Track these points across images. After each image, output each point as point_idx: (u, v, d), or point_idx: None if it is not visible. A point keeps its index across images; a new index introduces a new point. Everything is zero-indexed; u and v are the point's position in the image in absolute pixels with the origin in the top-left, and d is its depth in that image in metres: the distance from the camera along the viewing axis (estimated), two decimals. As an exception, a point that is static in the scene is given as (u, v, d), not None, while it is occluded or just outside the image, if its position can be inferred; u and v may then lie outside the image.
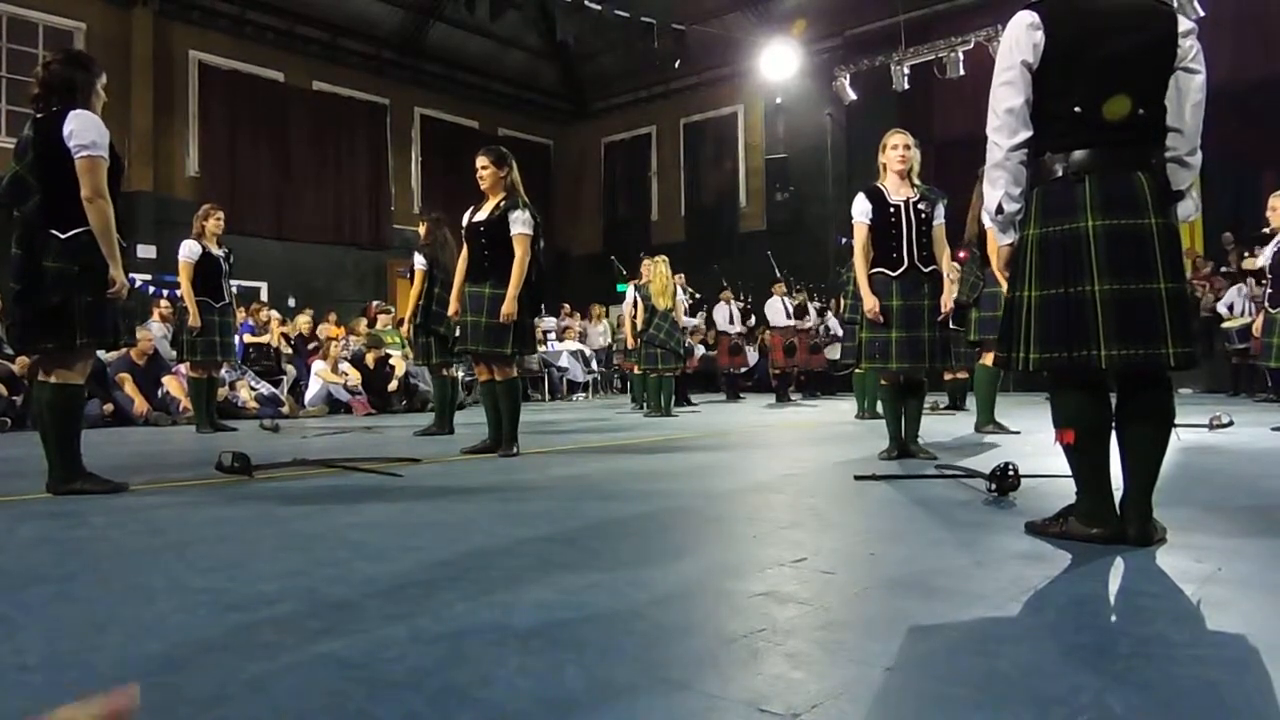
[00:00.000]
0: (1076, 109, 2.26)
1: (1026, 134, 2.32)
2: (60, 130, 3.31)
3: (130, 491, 3.53)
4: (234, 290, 7.52)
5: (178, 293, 8.17)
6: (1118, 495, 2.34)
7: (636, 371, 9.81)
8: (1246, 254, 10.79)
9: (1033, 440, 5.32)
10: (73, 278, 3.33)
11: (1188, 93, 2.28)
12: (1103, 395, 2.36)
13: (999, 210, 2.40)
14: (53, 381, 3.46)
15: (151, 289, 11.84)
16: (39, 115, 3.42)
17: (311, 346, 11.01)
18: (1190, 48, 2.28)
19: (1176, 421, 2.37)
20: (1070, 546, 2.28)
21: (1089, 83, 2.26)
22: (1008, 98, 2.31)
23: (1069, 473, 2.42)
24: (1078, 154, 2.27)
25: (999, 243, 2.52)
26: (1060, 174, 2.29)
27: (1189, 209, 2.38)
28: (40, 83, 3.43)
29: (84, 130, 3.32)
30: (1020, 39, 2.29)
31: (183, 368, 8.37)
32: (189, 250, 6.94)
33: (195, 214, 7.24)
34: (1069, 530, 2.36)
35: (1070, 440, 2.33)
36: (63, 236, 3.34)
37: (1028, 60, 2.28)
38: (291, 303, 13.55)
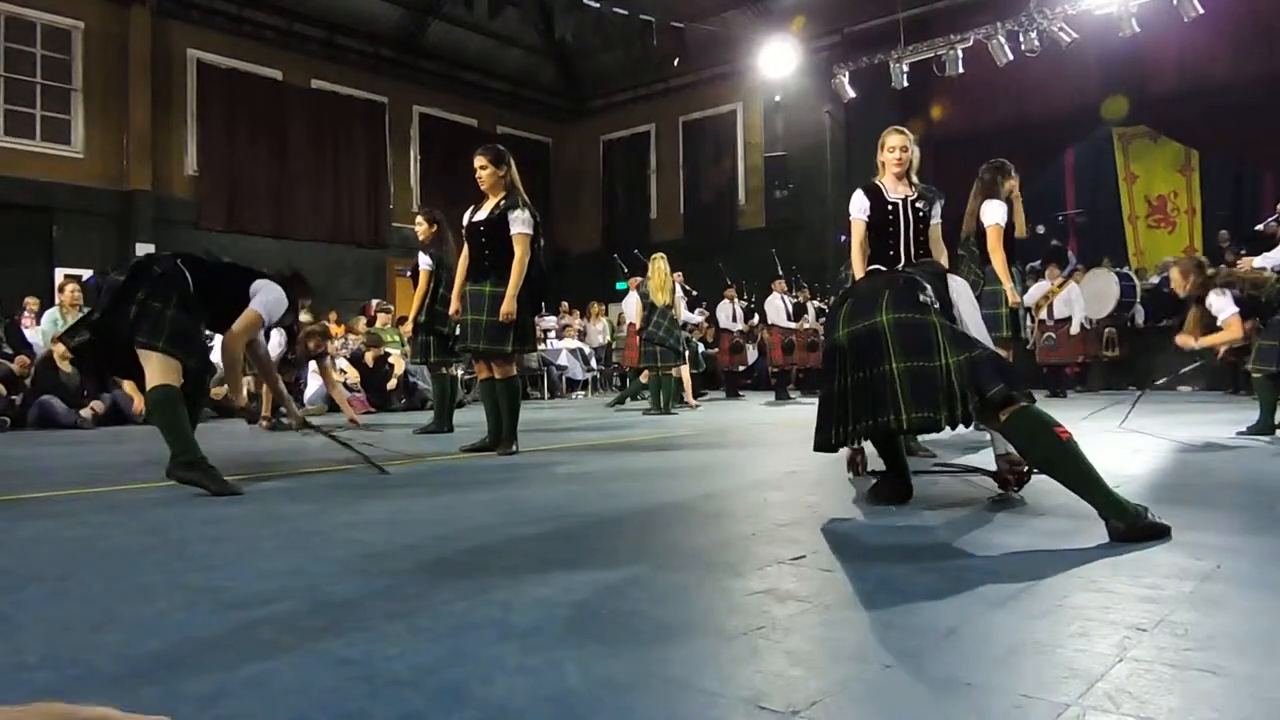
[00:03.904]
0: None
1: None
2: (248, 285, 3.94)
3: (130, 490, 3.53)
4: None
5: None
6: (1119, 491, 2.41)
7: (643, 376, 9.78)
8: (1243, 252, 10.80)
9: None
10: (156, 282, 3.61)
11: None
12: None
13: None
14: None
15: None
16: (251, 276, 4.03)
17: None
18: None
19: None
20: (1069, 546, 2.30)
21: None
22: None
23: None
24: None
25: None
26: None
27: None
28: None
29: (270, 303, 3.93)
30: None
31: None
32: (278, 341, 6.93)
33: (306, 333, 6.92)
34: (878, 493, 3.12)
35: None
36: (178, 262, 3.76)
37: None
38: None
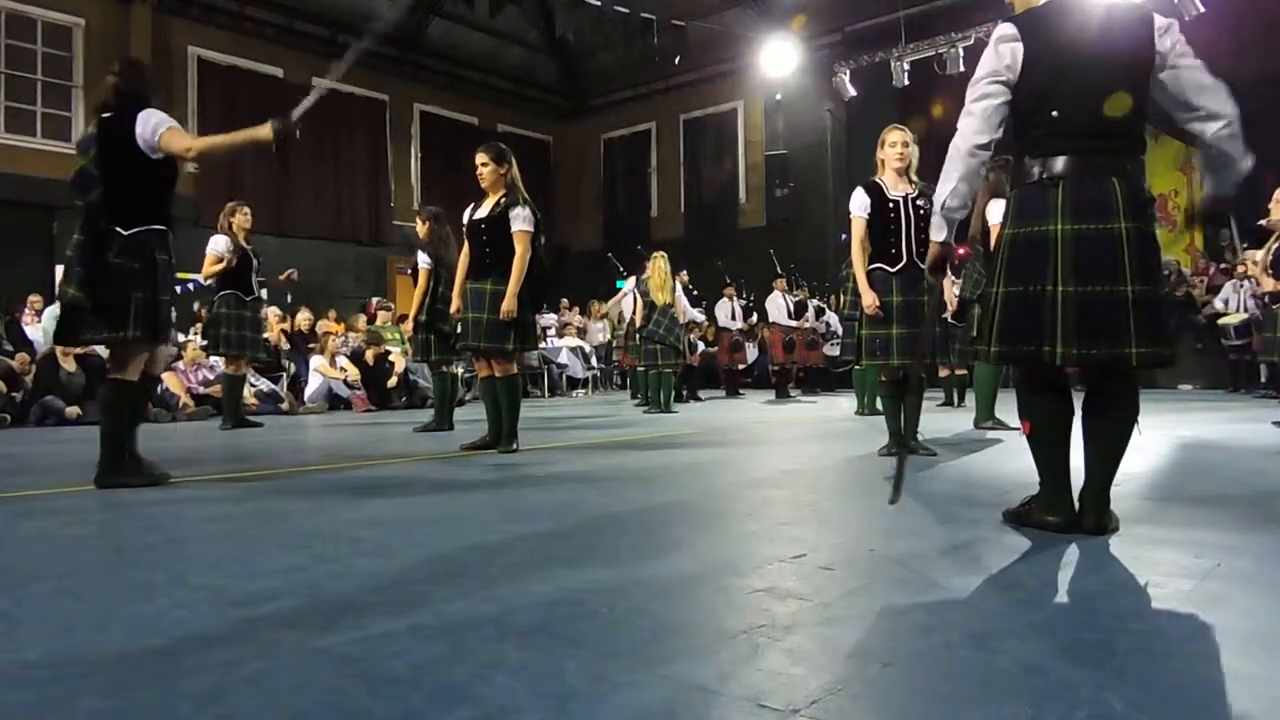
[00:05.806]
0: (1054, 114, 2.32)
1: (992, 137, 2.39)
2: (130, 128, 3.50)
3: (130, 488, 3.53)
4: (263, 288, 7.59)
5: (189, 286, 8.29)
6: (1118, 489, 2.37)
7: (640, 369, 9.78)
8: (1246, 246, 10.80)
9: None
10: (133, 274, 3.47)
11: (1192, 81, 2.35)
12: (1063, 392, 2.45)
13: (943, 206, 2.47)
14: (113, 379, 3.64)
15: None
16: (106, 116, 3.62)
17: (310, 346, 11.02)
18: (1173, 45, 2.35)
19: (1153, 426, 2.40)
20: (1070, 543, 2.29)
21: (1070, 88, 2.32)
22: (984, 98, 2.39)
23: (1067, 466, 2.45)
24: (1056, 161, 2.32)
25: (932, 238, 2.58)
26: (1036, 178, 2.35)
27: (1246, 167, 2.45)
28: (110, 89, 3.69)
29: (158, 115, 3.58)
30: (1000, 49, 2.37)
31: (218, 361, 8.55)
32: (219, 245, 6.99)
33: (222, 211, 7.33)
34: (1029, 516, 2.47)
35: (1029, 431, 2.48)
36: (125, 233, 3.48)
37: (1009, 66, 2.36)
38: (290, 299, 13.53)
